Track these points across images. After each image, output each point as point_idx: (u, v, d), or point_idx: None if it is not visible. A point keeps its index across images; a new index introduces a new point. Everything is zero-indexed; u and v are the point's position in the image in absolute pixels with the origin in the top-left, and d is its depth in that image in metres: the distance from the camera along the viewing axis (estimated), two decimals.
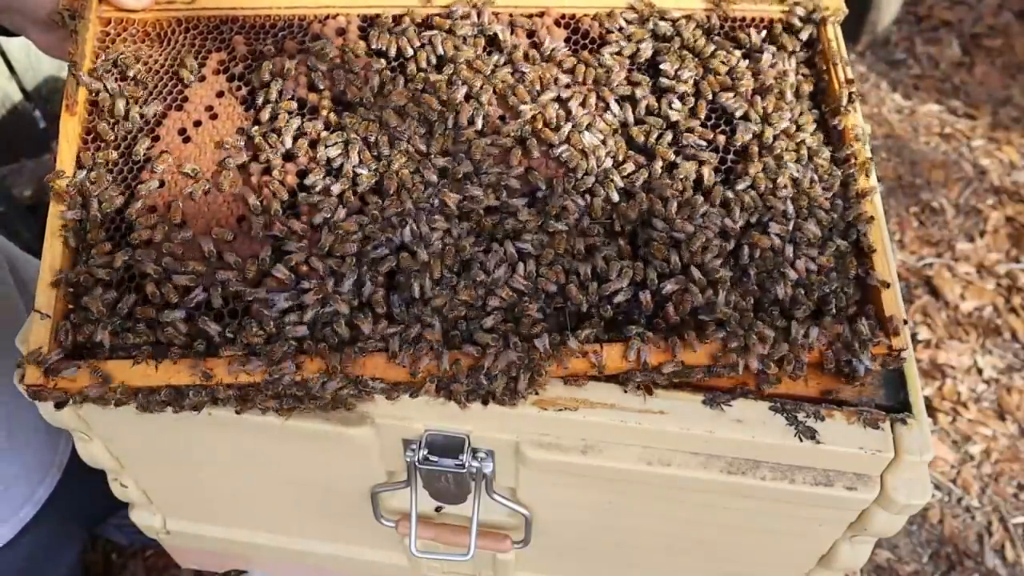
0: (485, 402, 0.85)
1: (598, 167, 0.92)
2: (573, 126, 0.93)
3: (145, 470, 1.11)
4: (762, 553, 1.05)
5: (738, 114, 0.96)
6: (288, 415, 0.87)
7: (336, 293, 0.83)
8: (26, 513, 1.37)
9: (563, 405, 0.87)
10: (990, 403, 2.34)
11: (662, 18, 1.00)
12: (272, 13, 0.98)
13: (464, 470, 0.92)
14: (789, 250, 0.89)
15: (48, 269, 0.84)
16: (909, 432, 0.86)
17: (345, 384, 0.82)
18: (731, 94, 0.96)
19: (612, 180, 0.91)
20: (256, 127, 0.92)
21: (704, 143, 0.95)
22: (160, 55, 0.96)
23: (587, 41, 1.01)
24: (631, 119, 0.96)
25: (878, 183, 0.96)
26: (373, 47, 0.96)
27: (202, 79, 0.95)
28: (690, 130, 0.95)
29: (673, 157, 0.93)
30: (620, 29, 0.99)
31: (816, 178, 0.94)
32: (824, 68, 0.99)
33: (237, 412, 0.86)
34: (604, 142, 0.94)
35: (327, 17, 0.98)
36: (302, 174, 0.90)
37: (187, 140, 0.92)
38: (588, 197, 0.91)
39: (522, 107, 0.93)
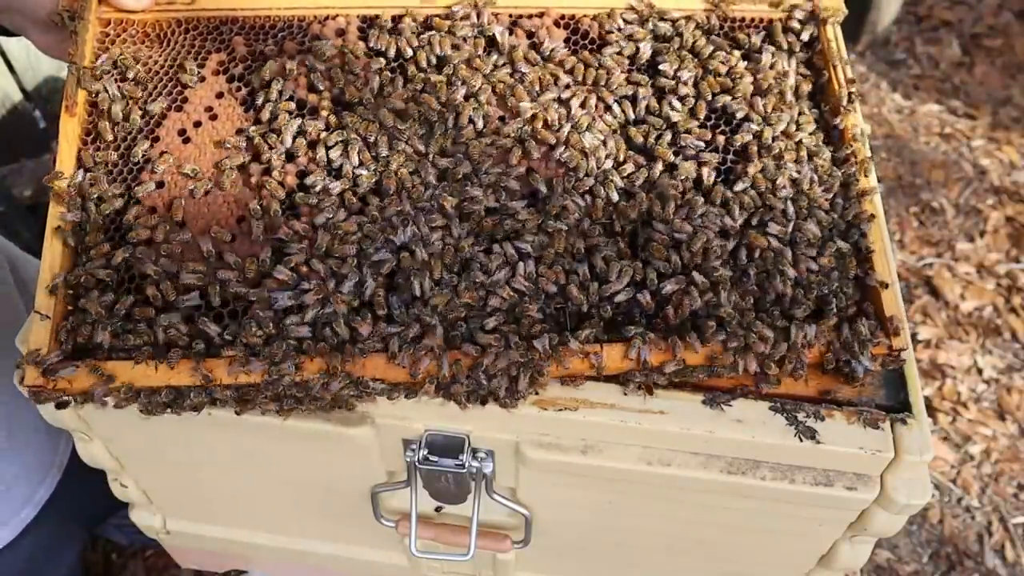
0: (485, 403, 0.85)
1: (598, 168, 0.92)
2: (573, 127, 0.93)
3: (145, 470, 1.11)
4: (762, 553, 1.05)
5: (738, 115, 0.96)
6: (287, 415, 0.87)
7: (336, 293, 0.83)
8: (27, 514, 1.37)
9: (563, 405, 0.87)
10: (990, 403, 2.34)
11: (662, 18, 1.00)
12: (272, 14, 0.98)
13: (464, 470, 0.92)
14: (788, 250, 0.89)
15: (48, 269, 0.84)
16: (909, 432, 0.86)
17: (347, 384, 0.82)
18: (730, 95, 0.96)
19: (612, 180, 0.91)
20: (256, 128, 0.92)
21: (703, 143, 0.95)
22: (160, 56, 0.96)
23: (587, 42, 1.01)
24: (631, 120, 0.96)
25: (878, 183, 0.96)
26: (373, 48, 0.96)
27: (202, 80, 0.95)
28: (689, 131, 0.95)
29: (672, 158, 0.93)
30: (620, 29, 0.99)
31: (816, 178, 0.94)
32: (824, 68, 0.99)
33: (237, 413, 0.86)
34: (604, 143, 0.94)
35: (327, 18, 0.98)
36: (302, 175, 0.90)
37: (187, 141, 0.92)
38: (588, 197, 0.91)
39: (522, 107, 0.93)
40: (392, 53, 0.96)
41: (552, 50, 0.98)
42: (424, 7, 0.99)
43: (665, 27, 1.00)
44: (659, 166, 0.93)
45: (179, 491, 1.16)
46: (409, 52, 0.96)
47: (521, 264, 0.86)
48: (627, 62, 0.98)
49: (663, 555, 1.10)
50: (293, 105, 0.93)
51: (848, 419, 0.86)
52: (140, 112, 0.92)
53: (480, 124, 0.93)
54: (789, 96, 0.97)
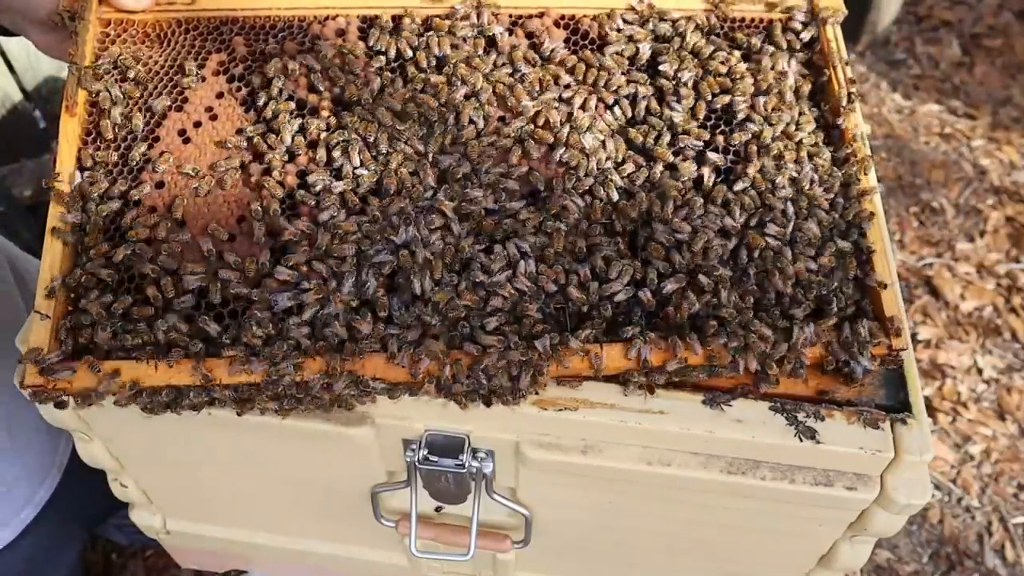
0: (488, 402, 0.85)
1: (598, 168, 0.92)
2: (573, 127, 0.93)
3: (145, 470, 1.11)
4: (762, 553, 1.05)
5: (738, 115, 0.96)
6: (287, 415, 0.87)
7: (336, 293, 0.83)
8: (27, 515, 1.37)
9: (563, 405, 0.87)
10: (990, 403, 2.34)
11: (662, 19, 1.00)
12: (272, 14, 0.98)
13: (464, 470, 0.92)
14: (788, 250, 0.89)
15: (48, 269, 0.84)
16: (909, 432, 0.86)
17: (348, 384, 0.82)
18: (730, 95, 0.96)
19: (612, 180, 0.91)
20: (256, 127, 0.92)
21: (703, 144, 0.95)
22: (160, 56, 0.96)
23: (587, 42, 1.01)
24: (631, 120, 0.96)
25: (878, 183, 0.96)
26: (373, 48, 0.96)
27: (202, 80, 0.95)
28: (689, 131, 0.95)
29: (672, 158, 0.93)
30: (619, 30, 0.99)
31: (816, 178, 0.94)
32: (824, 68, 0.99)
33: (239, 414, 0.86)
34: (604, 143, 0.94)
35: (327, 18, 0.99)
36: (302, 174, 0.90)
37: (187, 141, 0.92)
38: (588, 197, 0.91)
39: (524, 104, 0.93)
40: (392, 53, 0.96)
41: (552, 51, 0.98)
42: (424, 7, 0.99)
43: (665, 27, 1.00)
44: (659, 166, 0.93)
45: (179, 491, 1.16)
46: (409, 52, 0.96)
47: (522, 263, 0.86)
48: (627, 63, 0.98)
49: (663, 555, 1.10)
50: (293, 105, 0.93)
51: (848, 419, 0.86)
52: (141, 112, 0.92)
53: (480, 124, 0.93)
54: (789, 96, 0.97)
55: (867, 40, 3.35)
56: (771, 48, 1.00)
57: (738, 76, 0.97)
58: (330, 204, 0.87)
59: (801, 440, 0.85)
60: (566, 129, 0.93)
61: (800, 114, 0.97)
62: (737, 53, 0.99)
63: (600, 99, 0.96)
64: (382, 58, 0.96)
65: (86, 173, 0.88)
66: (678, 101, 0.96)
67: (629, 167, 0.93)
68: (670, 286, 0.87)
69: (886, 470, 0.86)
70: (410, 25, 0.97)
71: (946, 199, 2.84)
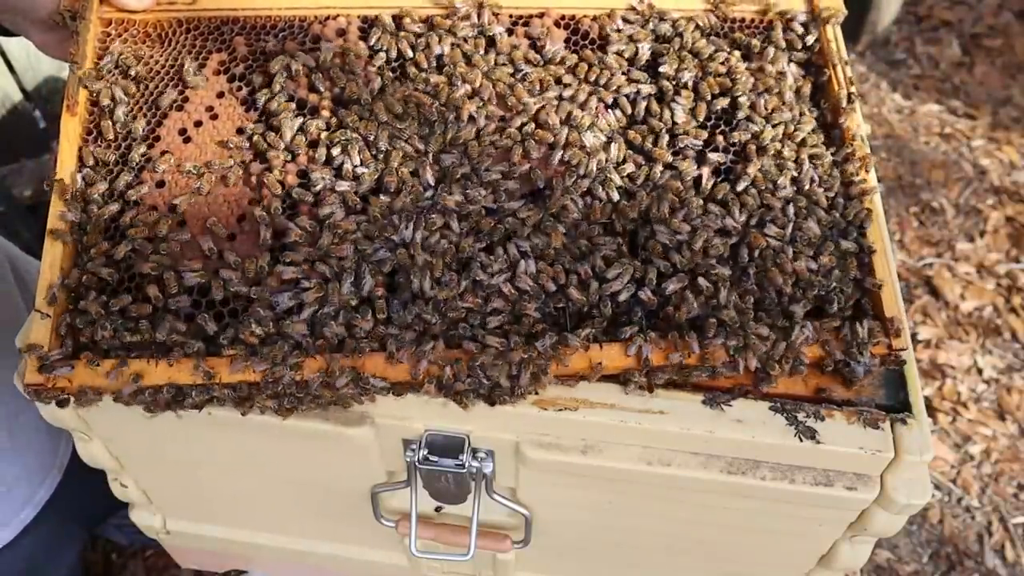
0: (490, 402, 0.85)
1: (598, 167, 0.92)
2: (573, 126, 0.93)
3: (145, 470, 1.11)
4: (762, 553, 1.05)
5: (738, 115, 0.96)
6: (287, 415, 0.87)
7: (336, 292, 0.83)
8: (27, 515, 1.37)
9: (563, 405, 0.87)
10: (990, 403, 2.34)
11: (662, 19, 1.00)
12: (272, 14, 0.98)
13: (464, 470, 0.92)
14: (788, 250, 0.89)
15: (48, 269, 0.84)
16: (909, 432, 0.86)
17: (349, 381, 0.82)
18: (730, 95, 0.96)
19: (612, 180, 0.91)
20: (256, 127, 0.92)
21: (703, 144, 0.95)
22: (161, 56, 0.96)
23: (587, 42, 1.01)
24: (631, 120, 0.96)
25: (878, 183, 0.96)
26: (373, 48, 0.96)
27: (203, 80, 0.95)
28: (688, 131, 0.95)
29: (671, 158, 0.93)
30: (620, 30, 1.00)
31: (816, 178, 0.94)
32: (824, 68, 0.99)
33: (242, 414, 0.86)
34: (604, 143, 0.94)
35: (327, 18, 0.99)
36: (303, 174, 0.90)
37: (187, 140, 0.92)
38: (588, 198, 0.91)
39: (523, 103, 0.93)
40: (393, 53, 0.96)
41: (553, 51, 0.98)
42: (424, 7, 0.99)
43: (665, 28, 1.00)
44: (659, 166, 0.93)
45: (179, 491, 1.16)
46: (410, 52, 0.96)
47: (522, 263, 0.86)
48: (627, 63, 0.98)
49: (663, 555, 1.10)
50: (294, 105, 0.93)
51: (848, 419, 0.86)
52: (142, 111, 0.92)
53: (480, 123, 0.93)
54: (789, 96, 0.97)
55: (867, 40, 3.35)
56: (771, 48, 1.00)
57: (738, 76, 0.97)
58: (331, 203, 0.87)
59: (801, 440, 0.85)
60: (566, 128, 0.93)
61: (800, 114, 0.97)
62: (737, 53, 0.99)
63: (600, 99, 0.96)
64: (383, 57, 0.96)
65: (87, 172, 0.88)
66: (678, 101, 0.96)
67: (629, 167, 0.93)
68: (672, 285, 0.87)
69: (886, 470, 0.86)
70: (411, 25, 0.97)
71: (946, 199, 2.85)
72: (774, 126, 0.95)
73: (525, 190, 0.92)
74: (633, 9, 1.00)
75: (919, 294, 2.58)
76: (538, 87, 0.96)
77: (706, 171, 0.93)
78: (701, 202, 0.91)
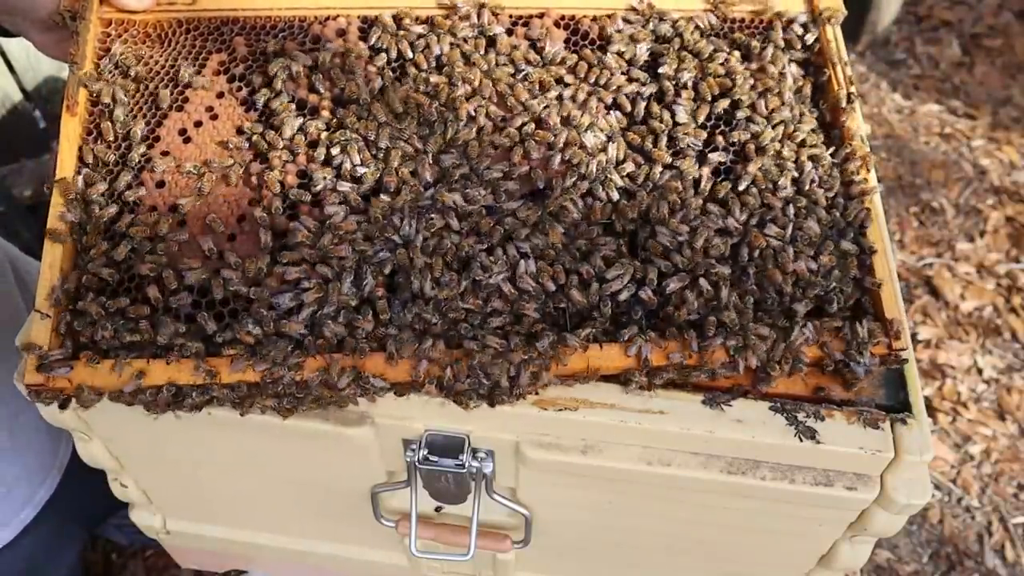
0: (492, 402, 0.85)
1: (598, 168, 0.92)
2: (573, 127, 0.93)
3: (145, 470, 1.11)
4: (762, 553, 1.05)
5: (738, 115, 0.96)
6: (288, 415, 0.87)
7: (336, 292, 0.83)
8: (27, 515, 1.37)
9: (563, 405, 0.87)
10: (990, 403, 2.34)
11: (662, 19, 1.00)
12: (272, 14, 0.98)
13: (464, 470, 0.92)
14: (789, 249, 0.89)
15: (48, 269, 0.84)
16: (909, 432, 0.86)
17: (350, 380, 0.82)
18: (730, 95, 0.96)
19: (612, 180, 0.91)
20: (256, 127, 0.92)
21: (703, 144, 0.95)
22: (161, 56, 0.96)
23: (587, 42, 1.01)
24: (631, 120, 0.96)
25: (878, 183, 0.96)
26: (374, 47, 0.96)
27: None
28: (688, 132, 0.95)
29: (670, 159, 0.93)
30: (620, 31, 1.00)
31: (816, 178, 0.94)
32: (824, 68, 0.99)
33: (241, 415, 0.86)
34: (604, 143, 0.94)
35: (327, 18, 0.99)
36: (303, 174, 0.90)
37: (187, 140, 0.92)
38: (588, 198, 0.91)
39: (523, 103, 0.93)
40: (393, 53, 0.96)
41: (553, 52, 0.98)
42: (425, 7, 0.99)
43: (665, 28, 1.00)
44: (659, 166, 0.93)
45: (179, 491, 1.16)
46: (410, 52, 0.96)
47: (523, 263, 0.86)
48: (627, 63, 0.98)
49: (663, 555, 1.10)
50: (294, 106, 0.93)
51: (848, 419, 0.86)
52: (142, 111, 0.92)
53: (480, 123, 0.93)
54: (789, 96, 0.97)
55: (867, 40, 3.35)
56: (771, 48, 1.00)
57: (738, 77, 0.97)
58: (332, 203, 0.87)
59: (801, 440, 0.85)
60: (566, 128, 0.93)
61: (800, 114, 0.97)
62: (737, 53, 0.99)
63: (600, 99, 0.96)
64: (383, 57, 0.96)
65: (87, 172, 0.88)
66: (678, 102, 0.96)
67: (629, 166, 0.93)
68: (673, 285, 0.87)
69: (886, 470, 0.86)
70: (411, 25, 0.97)
71: (946, 199, 2.85)
72: (774, 126, 0.95)
73: (525, 190, 0.92)
74: (633, 9, 1.00)
75: (919, 294, 2.58)
76: (538, 87, 0.96)
77: (706, 171, 0.93)
78: (701, 202, 0.91)
